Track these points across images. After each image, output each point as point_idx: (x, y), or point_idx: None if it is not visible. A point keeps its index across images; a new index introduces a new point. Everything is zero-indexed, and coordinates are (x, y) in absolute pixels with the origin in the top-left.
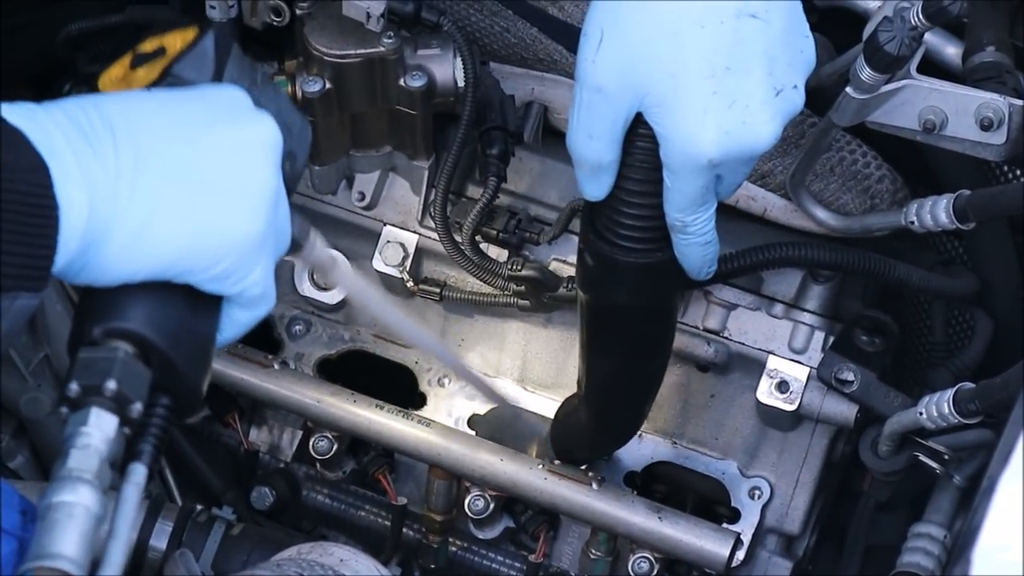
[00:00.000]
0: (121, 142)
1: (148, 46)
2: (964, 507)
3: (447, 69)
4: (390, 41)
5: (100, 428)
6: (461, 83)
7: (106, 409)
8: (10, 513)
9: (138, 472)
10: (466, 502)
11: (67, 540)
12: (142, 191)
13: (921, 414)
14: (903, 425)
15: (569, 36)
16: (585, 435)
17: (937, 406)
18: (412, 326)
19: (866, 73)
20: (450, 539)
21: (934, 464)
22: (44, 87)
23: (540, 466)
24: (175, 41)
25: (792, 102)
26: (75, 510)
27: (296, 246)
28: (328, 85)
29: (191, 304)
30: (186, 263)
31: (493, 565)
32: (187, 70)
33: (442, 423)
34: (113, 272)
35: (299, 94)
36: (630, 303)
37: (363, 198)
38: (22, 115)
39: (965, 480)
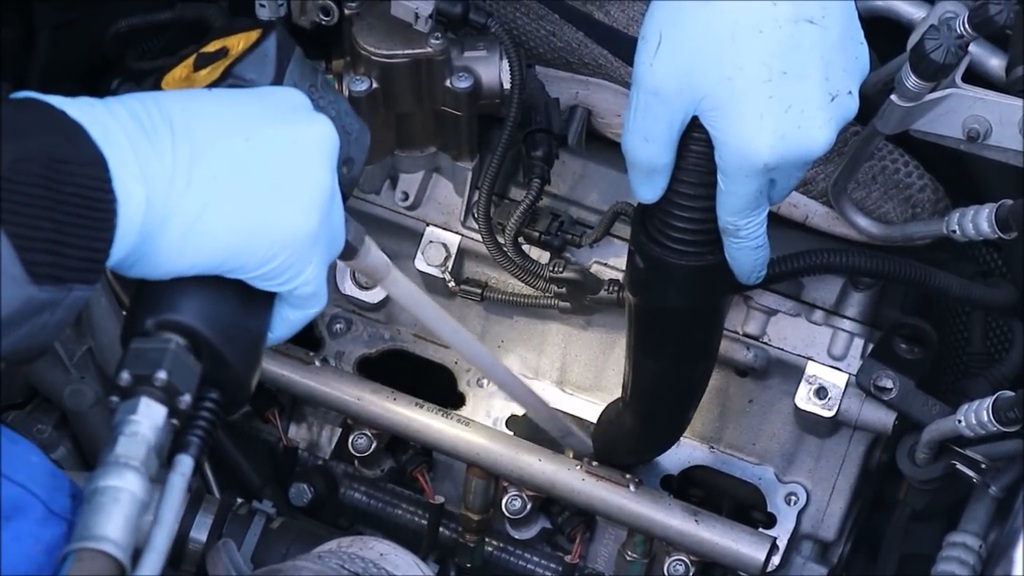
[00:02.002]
0: (179, 136)
1: (211, 47)
2: (1000, 518)
3: (493, 71)
4: (437, 42)
5: (149, 417)
6: (507, 85)
7: (155, 399)
8: (61, 497)
9: (184, 463)
10: (503, 502)
11: (112, 523)
12: (198, 184)
13: (960, 422)
14: (941, 433)
15: (614, 40)
16: (629, 439)
17: (976, 414)
18: (465, 337)
19: (911, 81)
20: (486, 539)
21: (971, 473)
22: (93, 84)
23: (578, 467)
24: (237, 43)
25: (847, 107)
26: (121, 495)
27: (351, 251)
28: (375, 85)
29: (244, 300)
30: (239, 258)
31: (529, 566)
32: (249, 71)
33: (481, 423)
34: (166, 265)
35: (346, 93)
36: (680, 306)
37: (407, 198)
38: (82, 110)
39: (1001, 491)
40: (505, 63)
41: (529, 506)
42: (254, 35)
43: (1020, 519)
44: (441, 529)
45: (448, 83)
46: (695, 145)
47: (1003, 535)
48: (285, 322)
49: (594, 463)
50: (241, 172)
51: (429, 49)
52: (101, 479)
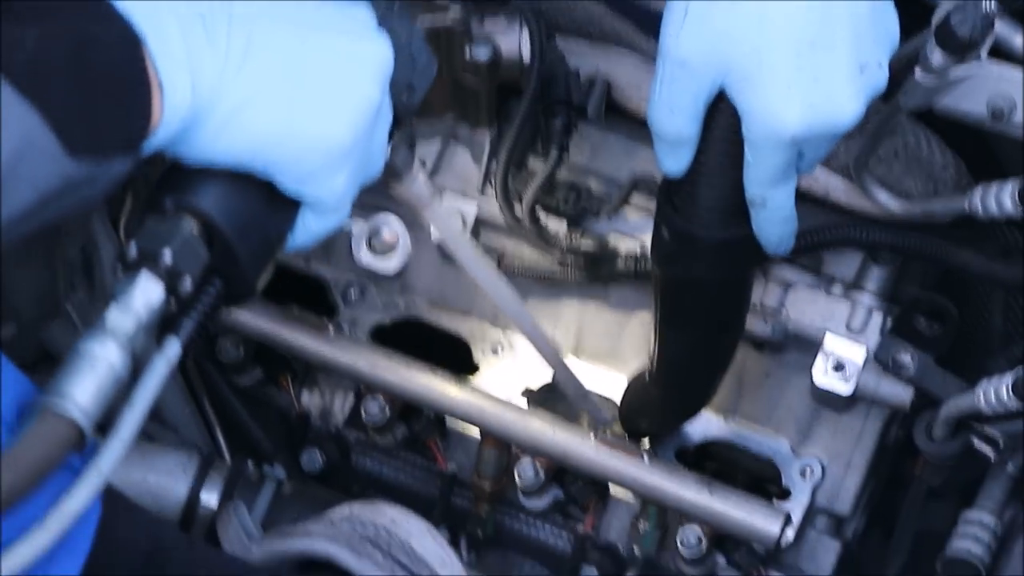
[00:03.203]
0: (236, 26)
1: None
2: (1016, 496)
3: (513, 42)
4: (457, 12)
5: (145, 293)
6: (527, 57)
7: (156, 277)
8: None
9: (172, 346)
10: (516, 471)
11: (81, 387)
12: (246, 77)
13: (979, 398)
14: (960, 409)
15: (635, 12)
16: (655, 409)
17: (995, 390)
18: (497, 281)
19: (936, 57)
20: (498, 508)
21: (988, 450)
22: None
23: (591, 437)
24: None
25: (876, 79)
26: (98, 363)
27: (395, 175)
28: None
29: (268, 201)
30: (272, 155)
31: (541, 535)
32: None
33: (495, 392)
34: (199, 152)
35: None
36: (706, 278)
37: (424, 165)
38: None
39: (1018, 469)
40: (525, 34)
41: (542, 476)
42: None
43: None
44: (453, 498)
45: (467, 54)
46: (722, 117)
47: (1019, 513)
48: (306, 230)
49: (607, 433)
50: (290, 73)
51: (449, 19)
52: (83, 342)
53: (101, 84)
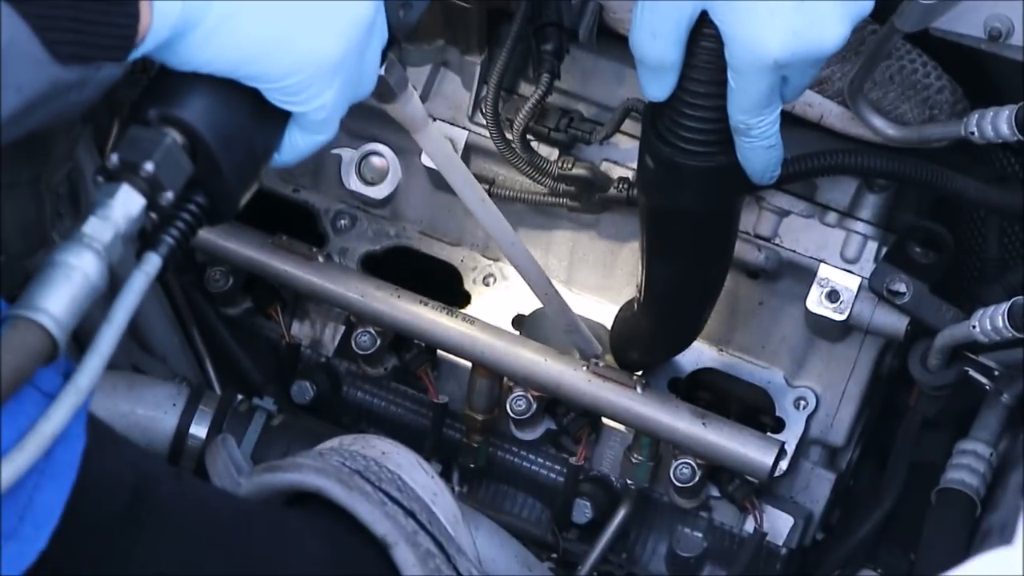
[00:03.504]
0: None
1: None
2: (1011, 426)
3: None
4: None
5: (125, 205)
6: None
7: (137, 189)
8: (53, 375)
9: (151, 261)
10: (508, 402)
11: (54, 298)
12: None
13: (974, 327)
14: (955, 338)
15: None
16: (644, 340)
17: (991, 319)
18: (490, 207)
19: None
20: (491, 439)
21: (984, 380)
22: None
23: (584, 367)
24: None
25: (861, 4)
26: (73, 273)
27: (389, 94)
28: None
29: (255, 114)
30: (260, 65)
31: (533, 467)
32: None
33: (486, 321)
34: (188, 58)
35: None
36: (692, 207)
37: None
38: None
39: (1014, 399)
40: None
41: (534, 407)
42: None
43: None
44: (445, 429)
45: None
46: (705, 41)
47: (1014, 444)
48: (293, 147)
49: (600, 363)
50: None
51: None
52: (58, 254)
53: None
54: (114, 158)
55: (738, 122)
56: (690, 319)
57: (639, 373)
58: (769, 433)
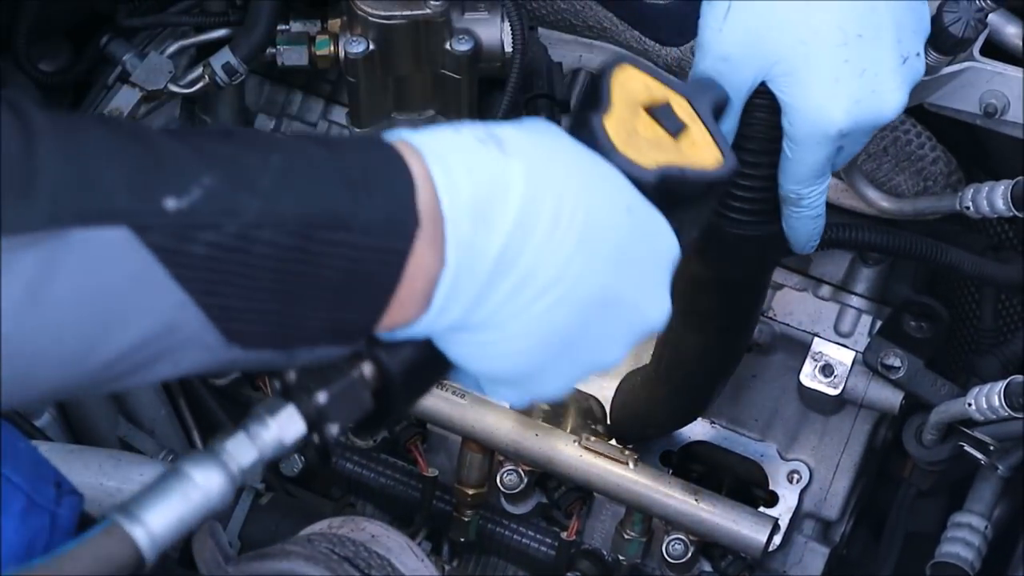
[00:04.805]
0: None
1: (654, 95)
2: (1006, 495)
3: (494, 33)
4: (437, 3)
5: (282, 428)
6: (508, 48)
7: (302, 413)
8: (44, 487)
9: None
10: (499, 476)
11: (162, 514)
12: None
13: (970, 405)
14: (950, 415)
15: (620, 4)
16: (655, 412)
17: (987, 398)
18: None
19: (928, 55)
20: (481, 513)
21: (979, 455)
22: (83, 39)
23: (575, 442)
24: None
25: (916, 70)
26: (193, 493)
27: None
28: (372, 47)
29: (447, 366)
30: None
31: (524, 540)
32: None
33: (476, 395)
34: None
35: (342, 54)
36: (734, 276)
37: None
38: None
39: (1009, 470)
40: (507, 25)
41: (525, 481)
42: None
43: None
44: (435, 502)
45: (448, 45)
46: (760, 112)
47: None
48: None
49: (591, 439)
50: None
51: (428, 11)
52: (190, 464)
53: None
54: (292, 372)
55: (790, 192)
56: (705, 391)
57: (631, 447)
58: (762, 507)
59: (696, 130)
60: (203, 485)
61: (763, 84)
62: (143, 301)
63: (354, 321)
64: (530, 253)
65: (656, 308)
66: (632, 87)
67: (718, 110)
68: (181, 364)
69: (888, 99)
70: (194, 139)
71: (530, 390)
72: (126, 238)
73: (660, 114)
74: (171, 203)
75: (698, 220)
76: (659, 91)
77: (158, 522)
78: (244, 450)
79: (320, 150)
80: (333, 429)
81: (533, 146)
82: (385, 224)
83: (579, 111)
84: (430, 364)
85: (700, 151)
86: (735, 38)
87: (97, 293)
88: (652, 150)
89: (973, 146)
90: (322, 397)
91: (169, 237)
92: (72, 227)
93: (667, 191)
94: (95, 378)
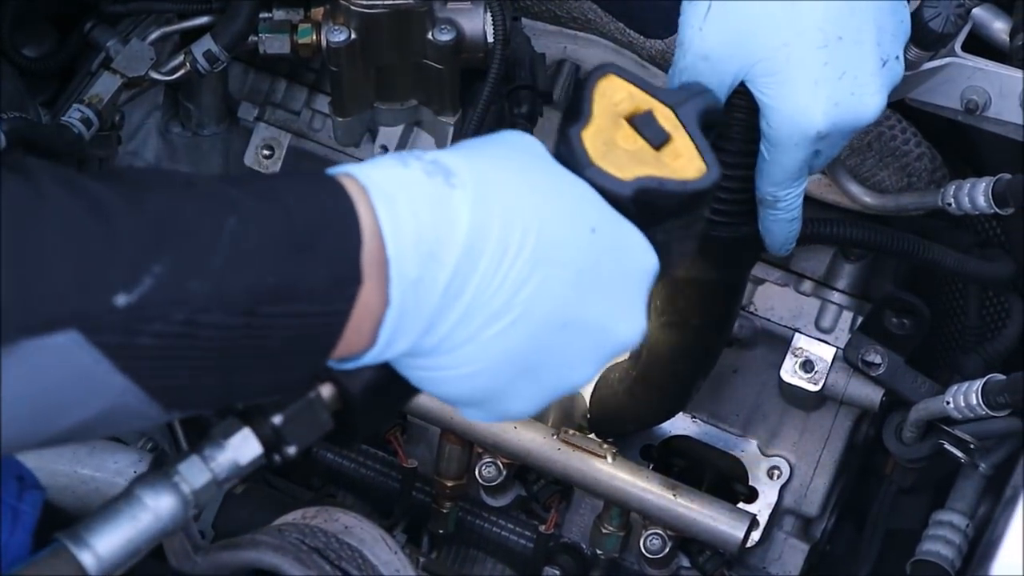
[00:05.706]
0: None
1: (636, 105)
2: (988, 494)
3: (477, 24)
4: None
5: (236, 451)
6: (491, 39)
7: (258, 436)
8: (6, 480)
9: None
10: (478, 469)
11: (109, 538)
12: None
13: (948, 403)
14: (929, 412)
15: None
16: (634, 408)
17: (965, 396)
18: None
19: (909, 50)
20: (460, 505)
21: (959, 453)
22: (67, 26)
23: (554, 436)
24: (671, 123)
25: (895, 72)
26: (142, 515)
27: None
28: (354, 36)
29: (412, 391)
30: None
31: (503, 533)
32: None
33: None
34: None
35: (323, 43)
36: (710, 277)
37: (386, 152)
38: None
39: (990, 468)
40: (489, 16)
41: (504, 474)
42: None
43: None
44: (414, 493)
45: (430, 35)
46: (737, 112)
47: (991, 512)
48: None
49: (571, 432)
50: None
51: (411, 0)
52: (141, 487)
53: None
54: None
55: (767, 194)
56: (683, 389)
57: (610, 441)
58: (742, 502)
59: (679, 140)
60: (153, 508)
61: (742, 84)
62: (88, 392)
63: (296, 379)
64: (477, 282)
65: (627, 327)
66: (615, 97)
67: (710, 115)
68: (121, 429)
69: (867, 102)
70: (153, 205)
71: (495, 411)
72: (75, 340)
73: (642, 124)
74: (121, 299)
75: (691, 231)
76: (643, 100)
77: (105, 545)
78: (197, 472)
79: (274, 209)
80: (291, 450)
81: (484, 172)
82: (329, 287)
83: (561, 124)
84: (393, 383)
85: (682, 161)
86: (716, 38)
87: (42, 392)
88: (631, 162)
89: (959, 142)
90: (278, 419)
91: (118, 333)
92: (19, 339)
93: (646, 204)
94: (40, 445)
